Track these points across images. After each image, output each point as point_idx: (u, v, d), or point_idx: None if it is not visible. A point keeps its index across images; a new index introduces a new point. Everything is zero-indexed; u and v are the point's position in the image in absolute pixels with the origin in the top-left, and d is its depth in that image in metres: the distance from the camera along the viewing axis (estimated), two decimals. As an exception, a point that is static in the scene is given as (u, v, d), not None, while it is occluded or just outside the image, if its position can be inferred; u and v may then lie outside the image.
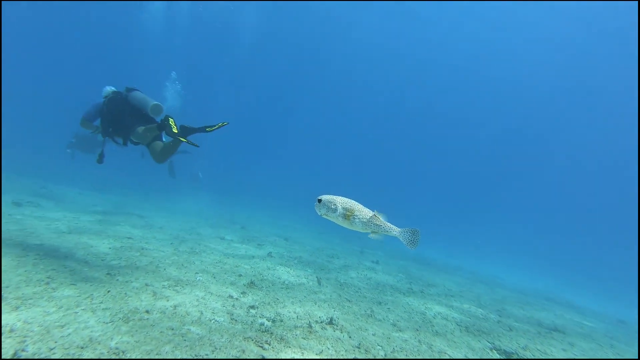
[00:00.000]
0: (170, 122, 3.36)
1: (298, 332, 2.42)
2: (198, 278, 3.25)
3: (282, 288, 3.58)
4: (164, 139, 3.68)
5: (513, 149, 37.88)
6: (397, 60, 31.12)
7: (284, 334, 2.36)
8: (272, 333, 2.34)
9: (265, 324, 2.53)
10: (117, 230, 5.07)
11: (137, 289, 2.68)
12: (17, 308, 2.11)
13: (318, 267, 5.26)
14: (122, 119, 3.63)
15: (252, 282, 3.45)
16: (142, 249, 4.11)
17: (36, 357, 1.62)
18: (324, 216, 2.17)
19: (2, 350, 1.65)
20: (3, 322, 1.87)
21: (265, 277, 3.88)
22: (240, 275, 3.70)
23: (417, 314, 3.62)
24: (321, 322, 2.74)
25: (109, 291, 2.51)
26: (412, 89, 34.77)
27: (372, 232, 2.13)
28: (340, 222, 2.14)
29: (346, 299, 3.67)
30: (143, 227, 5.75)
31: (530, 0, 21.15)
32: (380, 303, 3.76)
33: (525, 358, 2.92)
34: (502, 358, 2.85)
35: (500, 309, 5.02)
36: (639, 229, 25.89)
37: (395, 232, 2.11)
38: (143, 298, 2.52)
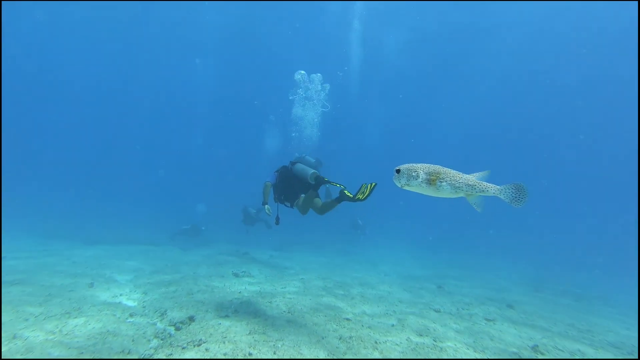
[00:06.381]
0: (361, 193, 3.94)
1: None
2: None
3: None
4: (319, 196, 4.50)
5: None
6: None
7: None
8: None
9: None
10: (320, 300, 4.93)
11: None
12: None
13: None
14: (290, 188, 4.60)
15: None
16: (370, 339, 3.59)
17: None
18: (405, 187, 2.04)
19: None
20: None
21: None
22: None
23: None
24: None
25: None
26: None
27: (466, 194, 1.90)
28: (424, 190, 2.00)
29: None
30: (344, 296, 5.50)
31: (531, 0, 20.68)
32: None
33: None
34: None
35: None
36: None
37: (493, 191, 1.91)
38: None
